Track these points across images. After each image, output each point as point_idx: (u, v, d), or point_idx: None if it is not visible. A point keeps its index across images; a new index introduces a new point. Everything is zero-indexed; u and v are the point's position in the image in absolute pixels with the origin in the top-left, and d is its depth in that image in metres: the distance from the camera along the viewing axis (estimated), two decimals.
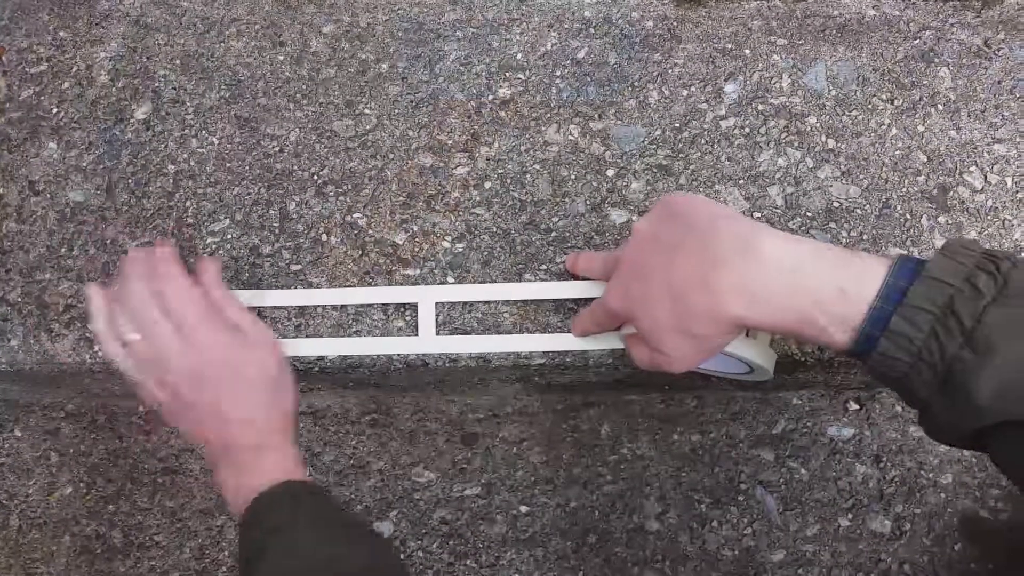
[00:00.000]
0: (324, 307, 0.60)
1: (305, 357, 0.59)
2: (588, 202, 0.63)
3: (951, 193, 0.62)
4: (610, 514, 0.68)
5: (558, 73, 0.66)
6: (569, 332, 0.59)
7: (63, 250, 0.62)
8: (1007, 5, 0.68)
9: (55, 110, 0.66)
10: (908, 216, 0.62)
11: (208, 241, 0.62)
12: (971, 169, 0.63)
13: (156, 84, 0.67)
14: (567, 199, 0.63)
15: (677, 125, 0.64)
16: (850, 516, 0.67)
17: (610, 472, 0.69)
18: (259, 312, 0.60)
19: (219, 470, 0.51)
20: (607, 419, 0.71)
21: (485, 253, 0.61)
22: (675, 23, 0.67)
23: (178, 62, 0.67)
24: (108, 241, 0.62)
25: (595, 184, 0.63)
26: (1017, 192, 0.62)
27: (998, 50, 0.66)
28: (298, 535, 0.45)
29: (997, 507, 0.67)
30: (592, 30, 0.68)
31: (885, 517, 0.67)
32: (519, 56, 0.67)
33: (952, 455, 0.68)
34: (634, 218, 0.62)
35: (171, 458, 0.70)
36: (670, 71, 0.66)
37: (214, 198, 0.63)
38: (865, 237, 0.61)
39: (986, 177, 0.63)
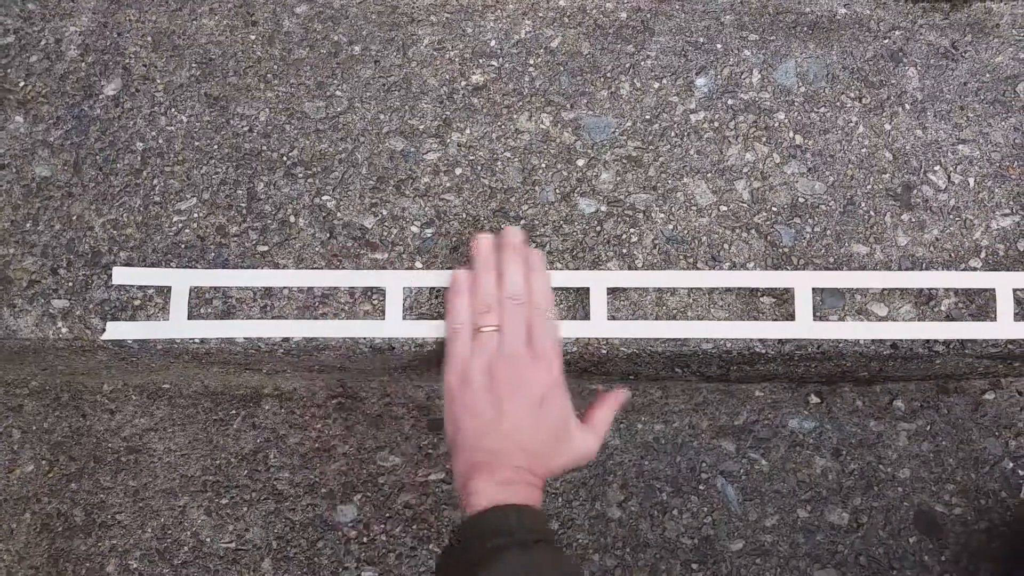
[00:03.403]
0: (290, 289, 0.60)
1: (270, 339, 0.59)
2: (558, 191, 0.63)
3: (915, 192, 0.63)
4: (573, 501, 0.69)
5: (531, 61, 0.66)
6: None
7: (28, 225, 0.61)
8: (975, 8, 0.69)
9: (22, 83, 0.66)
10: (872, 213, 0.63)
11: (175, 220, 0.61)
12: (935, 168, 0.64)
13: (126, 60, 0.66)
14: (537, 187, 0.63)
15: (648, 117, 0.65)
16: (809, 508, 0.68)
17: None
18: (224, 293, 0.60)
19: (471, 465, 0.49)
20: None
21: (454, 239, 0.62)
22: (648, 15, 0.68)
23: (149, 39, 0.67)
24: (74, 217, 0.62)
25: (565, 173, 0.63)
26: (979, 192, 0.63)
27: (965, 52, 0.67)
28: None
29: (952, 502, 0.68)
30: (566, 19, 0.68)
31: (843, 509, 0.68)
32: (493, 43, 0.67)
33: (910, 450, 0.69)
34: (603, 208, 0.63)
35: (135, 437, 0.70)
36: (642, 63, 0.66)
37: (182, 176, 0.63)
38: (829, 233, 0.62)
39: (950, 177, 0.64)
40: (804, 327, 0.59)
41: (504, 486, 0.48)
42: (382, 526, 0.68)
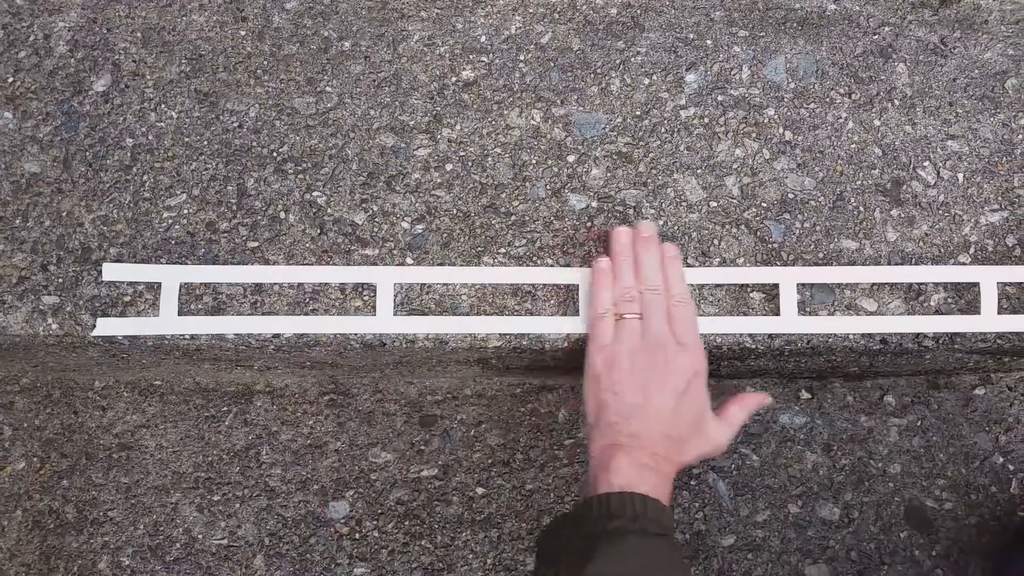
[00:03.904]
0: (281, 285, 0.60)
1: (260, 334, 0.59)
2: (548, 187, 0.63)
3: (904, 187, 0.63)
4: (565, 497, 0.69)
5: (522, 57, 0.66)
6: (526, 315, 0.60)
7: (17, 221, 0.61)
8: (963, 4, 0.69)
9: (11, 79, 0.65)
10: (861, 209, 0.63)
11: (164, 216, 0.61)
12: (924, 164, 0.64)
13: (116, 56, 0.66)
14: (527, 183, 0.63)
15: (638, 113, 0.65)
16: (800, 503, 0.69)
17: (566, 455, 0.70)
18: (214, 289, 0.59)
19: (612, 445, 0.51)
20: (564, 403, 0.71)
21: (445, 235, 0.62)
22: (639, 11, 0.68)
23: (139, 35, 0.67)
24: (64, 213, 0.61)
25: (555, 169, 0.64)
26: (968, 188, 0.64)
27: (954, 48, 0.67)
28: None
29: (942, 497, 0.69)
30: (556, 15, 0.68)
31: (834, 505, 0.69)
32: (483, 39, 0.67)
33: (901, 446, 0.70)
34: (593, 204, 0.63)
35: (127, 434, 0.70)
36: (633, 59, 0.66)
37: (172, 172, 0.62)
38: (818, 228, 0.62)
39: (939, 172, 0.64)
40: (789, 322, 0.59)
41: (641, 469, 0.50)
42: (374, 522, 0.68)
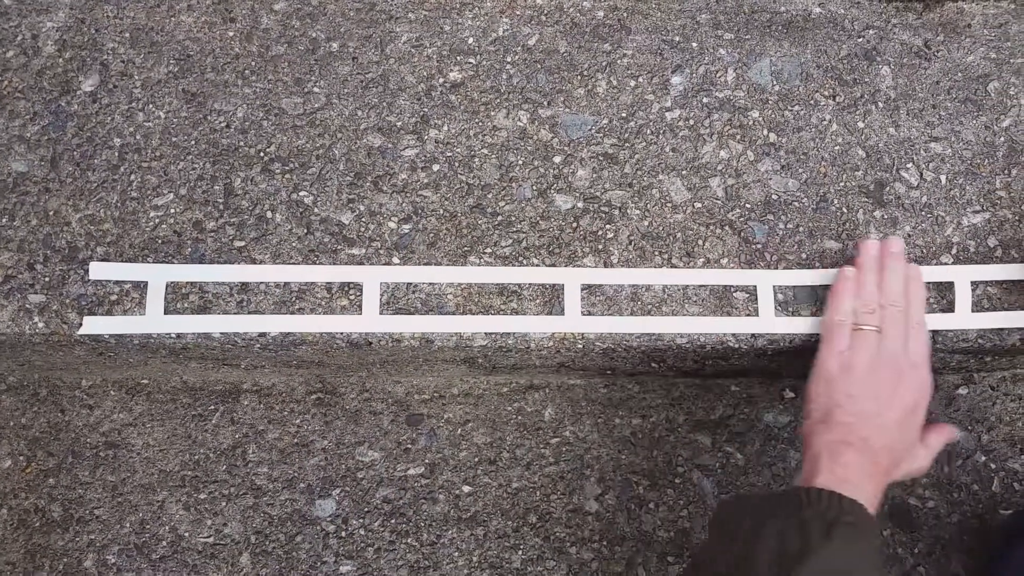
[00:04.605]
0: (267, 284, 0.60)
1: (246, 333, 0.59)
2: (535, 187, 0.64)
3: (887, 189, 0.64)
4: (551, 495, 0.70)
5: (509, 59, 0.67)
6: (512, 315, 0.60)
7: (4, 220, 0.61)
8: (947, 8, 0.70)
9: None
10: (845, 210, 0.63)
11: (151, 215, 0.61)
12: (908, 166, 0.65)
13: (104, 56, 0.66)
14: (514, 184, 0.64)
15: (624, 115, 0.65)
16: None
17: (552, 454, 0.71)
18: (201, 288, 0.60)
19: (843, 443, 0.51)
20: (551, 402, 0.72)
21: (431, 235, 0.62)
22: (625, 14, 0.68)
23: (127, 35, 0.67)
24: (51, 212, 0.62)
25: (542, 170, 0.64)
26: (951, 190, 0.64)
27: (937, 51, 0.68)
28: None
29: (925, 495, 0.69)
30: (544, 17, 0.68)
31: None
32: (471, 40, 0.67)
33: None
34: (579, 205, 0.63)
35: (113, 432, 0.70)
36: (619, 61, 0.67)
37: (159, 172, 0.63)
38: (802, 229, 0.63)
39: (922, 174, 0.65)
40: (766, 322, 0.59)
41: (865, 475, 0.51)
42: (361, 520, 0.69)
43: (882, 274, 0.58)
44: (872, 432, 0.52)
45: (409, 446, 0.70)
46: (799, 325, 0.60)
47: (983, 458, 0.71)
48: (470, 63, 0.67)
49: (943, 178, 0.65)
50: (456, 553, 0.68)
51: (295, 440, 0.70)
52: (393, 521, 0.69)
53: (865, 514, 0.48)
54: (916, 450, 0.56)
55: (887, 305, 0.57)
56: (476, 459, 0.70)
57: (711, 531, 0.52)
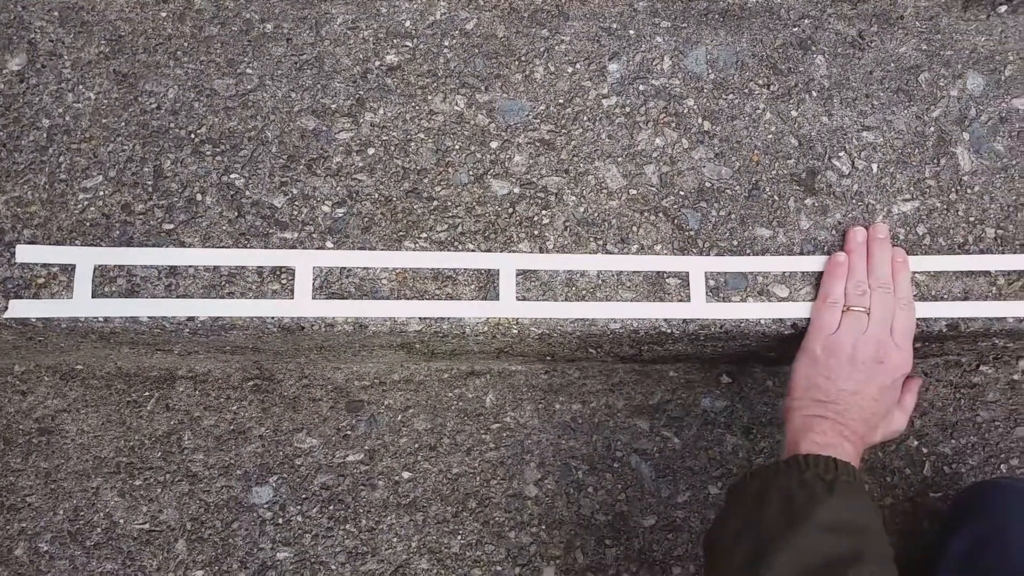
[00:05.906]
0: (196, 268, 0.59)
1: (174, 317, 0.58)
2: (471, 173, 0.63)
3: (819, 177, 0.65)
4: (491, 480, 0.70)
5: (446, 43, 0.67)
6: (446, 299, 0.60)
7: None
8: None
9: None
10: (776, 198, 0.64)
11: (80, 197, 0.60)
12: (840, 154, 0.66)
13: (32, 35, 0.65)
14: (450, 169, 0.63)
15: (561, 101, 0.66)
16: (719, 484, 0.70)
17: (493, 439, 0.71)
18: (129, 272, 0.59)
19: (820, 417, 0.55)
20: (492, 388, 0.72)
21: (366, 219, 0.62)
22: (563, 0, 0.68)
23: (56, 14, 0.66)
24: None
25: (479, 155, 0.64)
26: (882, 178, 0.65)
27: (871, 42, 0.69)
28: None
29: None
30: (482, 2, 0.68)
31: None
32: (407, 23, 0.67)
33: None
34: (516, 190, 0.63)
35: (47, 418, 0.69)
36: (557, 47, 0.67)
37: (88, 154, 0.62)
38: (734, 217, 0.63)
39: (854, 162, 0.66)
40: (698, 308, 0.60)
41: (841, 439, 0.55)
42: (298, 507, 0.68)
43: (870, 259, 0.61)
44: (847, 408, 0.56)
45: (348, 433, 0.70)
46: (730, 311, 0.61)
47: (915, 443, 0.72)
48: (407, 46, 0.66)
49: (875, 167, 0.66)
50: (395, 539, 0.68)
51: (231, 427, 0.69)
52: (331, 507, 0.69)
53: (858, 474, 0.53)
54: (892, 414, 0.60)
55: (876, 287, 0.60)
56: (416, 445, 0.70)
57: (726, 500, 0.56)
